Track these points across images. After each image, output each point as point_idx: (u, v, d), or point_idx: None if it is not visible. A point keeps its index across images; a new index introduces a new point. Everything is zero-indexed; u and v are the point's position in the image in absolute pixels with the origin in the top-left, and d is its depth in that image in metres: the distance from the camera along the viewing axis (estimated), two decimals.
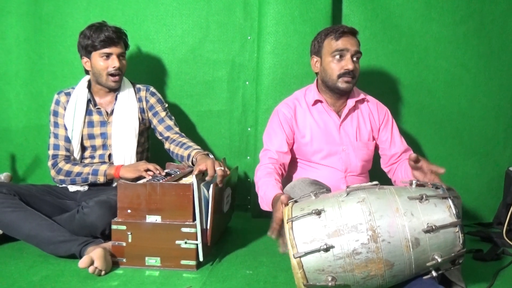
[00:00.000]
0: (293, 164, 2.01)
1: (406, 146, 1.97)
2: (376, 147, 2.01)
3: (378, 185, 1.34)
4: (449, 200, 1.27)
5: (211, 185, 1.71)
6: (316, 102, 1.95)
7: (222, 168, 1.76)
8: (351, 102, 1.94)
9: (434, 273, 1.25)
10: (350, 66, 1.83)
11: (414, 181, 1.36)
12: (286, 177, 2.04)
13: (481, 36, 2.46)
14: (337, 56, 1.85)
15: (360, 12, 2.46)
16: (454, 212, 1.24)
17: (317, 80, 1.99)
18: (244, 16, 2.51)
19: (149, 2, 2.52)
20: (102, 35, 1.97)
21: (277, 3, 2.36)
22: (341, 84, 1.86)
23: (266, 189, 1.68)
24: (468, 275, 1.58)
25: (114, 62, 2.00)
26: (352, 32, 1.87)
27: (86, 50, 2.02)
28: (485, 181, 2.53)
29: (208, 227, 1.71)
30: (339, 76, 1.85)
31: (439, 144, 2.52)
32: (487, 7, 2.44)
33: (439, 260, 1.22)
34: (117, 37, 2.01)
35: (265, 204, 1.68)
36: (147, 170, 1.91)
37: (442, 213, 1.24)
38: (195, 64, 2.55)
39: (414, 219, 1.23)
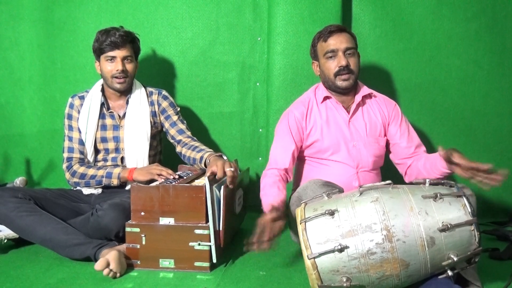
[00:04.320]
0: (304, 162, 2.02)
1: (418, 141, 1.96)
2: (387, 143, 2.00)
3: (392, 184, 1.33)
4: (464, 198, 1.25)
5: (222, 187, 1.71)
6: (325, 98, 1.97)
7: (232, 168, 1.77)
8: (358, 97, 1.95)
9: (449, 273, 1.24)
10: (343, 62, 1.87)
11: (427, 180, 1.34)
12: (298, 175, 2.07)
13: (493, 32, 2.43)
14: (330, 56, 1.89)
15: (370, 11, 2.45)
16: (470, 210, 1.23)
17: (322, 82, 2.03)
18: (254, 18, 2.52)
19: (159, 6, 2.54)
20: (108, 39, 2.00)
21: (286, 4, 2.36)
22: (339, 82, 1.89)
23: (268, 199, 1.75)
24: (484, 274, 1.56)
25: (117, 65, 2.02)
26: (340, 29, 1.90)
27: (96, 53, 2.07)
28: None
29: (221, 229, 1.71)
30: (336, 74, 1.89)
31: (452, 142, 2.49)
32: (500, 2, 2.41)
33: (455, 259, 1.21)
34: (122, 41, 2.02)
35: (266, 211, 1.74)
36: (160, 175, 1.92)
37: (457, 211, 1.23)
38: (206, 66, 2.56)
39: (429, 218, 1.22)
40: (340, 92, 1.93)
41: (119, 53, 2.02)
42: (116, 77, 2.04)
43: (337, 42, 1.88)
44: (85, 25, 2.55)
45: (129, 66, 2.07)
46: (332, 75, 1.89)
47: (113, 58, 2.02)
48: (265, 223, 1.55)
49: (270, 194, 1.78)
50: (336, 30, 1.90)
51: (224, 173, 1.76)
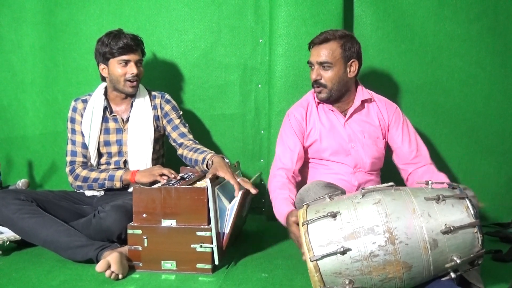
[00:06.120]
0: (304, 162, 2.03)
1: (421, 147, 1.94)
2: (389, 146, 2.00)
3: (394, 186, 1.33)
4: (467, 200, 1.25)
5: (240, 192, 1.72)
6: (319, 103, 2.00)
7: (246, 183, 1.78)
8: (357, 102, 1.96)
9: (452, 275, 1.23)
10: (313, 76, 1.92)
11: (430, 182, 1.34)
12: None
13: (495, 34, 2.43)
14: (310, 67, 1.94)
15: (372, 12, 2.45)
16: (472, 212, 1.23)
17: None
18: (256, 19, 2.52)
19: (161, 8, 2.54)
20: (120, 42, 1.99)
21: (288, 6, 2.36)
22: (316, 93, 1.95)
23: (280, 203, 1.73)
24: (487, 276, 1.55)
25: (132, 69, 2.02)
26: (322, 41, 1.89)
27: (104, 57, 2.04)
28: (503, 181, 2.49)
29: (227, 232, 1.71)
30: (312, 85, 1.94)
31: (455, 143, 2.49)
32: (502, 4, 2.41)
33: (458, 261, 1.20)
34: (135, 44, 2.03)
35: (279, 217, 1.72)
36: (162, 174, 1.93)
37: (460, 213, 1.23)
38: (208, 68, 2.57)
39: (432, 220, 1.22)
40: (321, 101, 1.96)
41: (133, 57, 2.02)
42: (130, 81, 2.03)
43: (314, 55, 1.91)
44: (87, 27, 2.56)
45: (140, 70, 2.08)
46: (312, 85, 1.95)
47: (127, 61, 2.02)
48: (295, 232, 1.52)
49: (281, 198, 1.75)
50: (317, 42, 1.90)
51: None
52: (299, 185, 2.05)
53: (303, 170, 2.04)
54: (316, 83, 1.91)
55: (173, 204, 1.70)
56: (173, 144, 2.18)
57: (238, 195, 1.73)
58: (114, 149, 2.11)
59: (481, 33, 2.42)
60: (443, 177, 1.79)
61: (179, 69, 2.57)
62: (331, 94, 1.91)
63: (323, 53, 1.87)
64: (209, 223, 1.68)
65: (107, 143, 2.11)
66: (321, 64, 1.88)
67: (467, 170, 2.48)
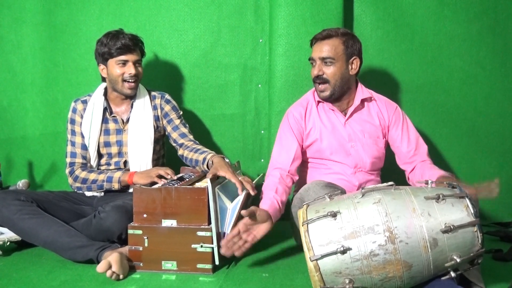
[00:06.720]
0: (304, 162, 2.03)
1: (418, 144, 1.94)
2: (389, 145, 2.00)
3: (394, 186, 1.33)
4: (467, 199, 1.25)
5: (243, 193, 1.73)
6: (319, 102, 1.99)
7: (248, 183, 1.79)
8: (357, 101, 1.96)
9: (452, 274, 1.23)
10: (314, 72, 1.91)
11: (430, 181, 1.34)
12: (299, 175, 2.06)
13: (495, 33, 2.43)
14: (311, 63, 1.94)
15: (372, 12, 2.45)
16: (472, 211, 1.23)
17: None
18: (255, 19, 2.52)
19: (160, 8, 2.54)
20: (118, 43, 1.99)
21: (288, 5, 2.36)
22: (317, 90, 1.94)
23: (262, 202, 1.76)
24: (488, 275, 1.55)
25: (130, 69, 2.02)
26: (325, 37, 1.89)
27: (103, 57, 2.04)
28: (503, 180, 2.48)
29: (229, 232, 1.71)
30: (314, 82, 1.94)
31: (455, 143, 2.49)
32: (501, 3, 2.41)
33: (458, 260, 1.21)
34: (134, 45, 2.02)
35: None
36: (160, 176, 1.92)
37: (460, 212, 1.23)
38: (208, 68, 2.56)
39: (432, 219, 1.22)
40: (323, 100, 1.95)
41: (131, 57, 2.02)
42: (128, 81, 2.03)
43: (316, 51, 1.90)
44: (87, 28, 2.56)
45: (139, 70, 2.07)
46: (313, 81, 1.94)
47: (125, 62, 2.02)
48: (241, 227, 1.59)
49: (265, 197, 1.78)
50: (320, 38, 1.90)
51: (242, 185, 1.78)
52: (298, 185, 2.05)
53: (303, 170, 2.05)
54: (318, 79, 1.90)
55: (173, 204, 1.70)
56: (174, 144, 2.18)
57: (242, 194, 1.74)
58: (114, 150, 2.11)
59: (481, 32, 2.42)
60: (436, 172, 1.77)
61: (179, 69, 2.57)
62: (334, 91, 1.90)
63: (326, 48, 1.87)
64: (209, 223, 1.68)
65: (107, 144, 2.11)
66: (323, 59, 1.88)
67: (467, 170, 2.48)
